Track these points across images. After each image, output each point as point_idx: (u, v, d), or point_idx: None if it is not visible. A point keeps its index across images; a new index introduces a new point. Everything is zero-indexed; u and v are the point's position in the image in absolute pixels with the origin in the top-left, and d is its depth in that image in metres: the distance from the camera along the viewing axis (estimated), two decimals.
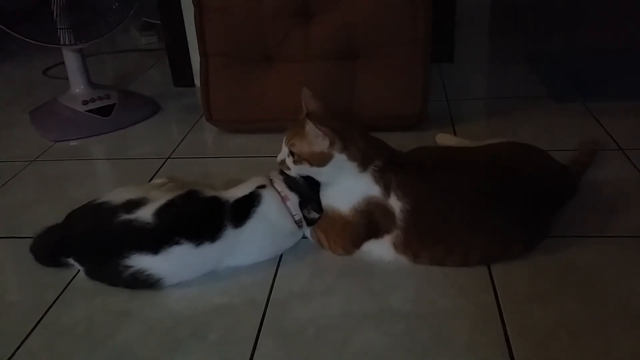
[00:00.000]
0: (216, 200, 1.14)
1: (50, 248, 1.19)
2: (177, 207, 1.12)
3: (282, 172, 1.19)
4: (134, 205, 1.12)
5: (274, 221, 1.16)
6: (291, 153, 1.13)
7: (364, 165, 1.12)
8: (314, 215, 1.18)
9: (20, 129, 1.99)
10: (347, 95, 1.71)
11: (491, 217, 1.10)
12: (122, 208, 1.12)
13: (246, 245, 1.14)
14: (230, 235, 1.11)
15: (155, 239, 1.07)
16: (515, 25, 2.93)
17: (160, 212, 1.10)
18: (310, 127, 1.07)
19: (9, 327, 1.05)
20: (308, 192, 1.17)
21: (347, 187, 1.13)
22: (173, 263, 1.08)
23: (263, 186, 1.17)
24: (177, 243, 1.07)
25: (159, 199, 1.14)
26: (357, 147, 1.11)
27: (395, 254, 1.13)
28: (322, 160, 1.10)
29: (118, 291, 1.11)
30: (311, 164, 1.11)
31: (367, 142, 1.14)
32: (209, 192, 1.17)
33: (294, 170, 1.15)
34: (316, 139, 1.09)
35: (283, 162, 1.16)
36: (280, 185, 1.18)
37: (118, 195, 1.17)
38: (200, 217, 1.12)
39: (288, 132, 1.16)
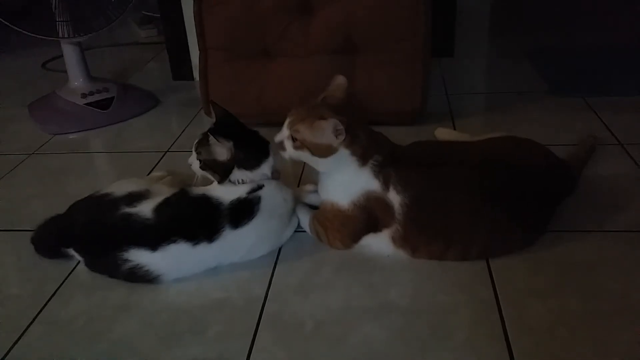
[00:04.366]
0: (212, 200, 1.13)
1: (52, 238, 1.19)
2: (175, 205, 1.12)
3: (201, 162, 1.14)
4: (135, 198, 1.13)
5: (274, 211, 1.15)
6: (293, 138, 1.11)
7: (363, 160, 1.11)
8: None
9: (19, 122, 1.98)
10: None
11: (490, 211, 1.10)
12: (123, 200, 1.12)
13: (246, 243, 1.13)
14: (230, 235, 1.10)
15: (154, 235, 1.07)
16: (515, 21, 2.92)
17: (159, 209, 1.10)
18: (329, 121, 1.04)
19: (8, 320, 1.05)
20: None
21: (347, 181, 1.13)
22: (171, 260, 1.08)
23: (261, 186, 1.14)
24: (174, 241, 1.07)
25: (161, 193, 1.14)
26: (360, 144, 1.10)
27: (394, 248, 1.13)
28: (326, 152, 1.09)
29: (117, 285, 1.11)
30: (312, 154, 1.10)
31: (368, 137, 1.12)
32: (199, 190, 1.15)
33: (289, 154, 1.12)
34: (327, 131, 1.06)
35: (281, 143, 1.13)
36: (255, 175, 1.14)
37: (120, 187, 1.17)
38: (199, 216, 1.11)
39: (292, 114, 1.12)
